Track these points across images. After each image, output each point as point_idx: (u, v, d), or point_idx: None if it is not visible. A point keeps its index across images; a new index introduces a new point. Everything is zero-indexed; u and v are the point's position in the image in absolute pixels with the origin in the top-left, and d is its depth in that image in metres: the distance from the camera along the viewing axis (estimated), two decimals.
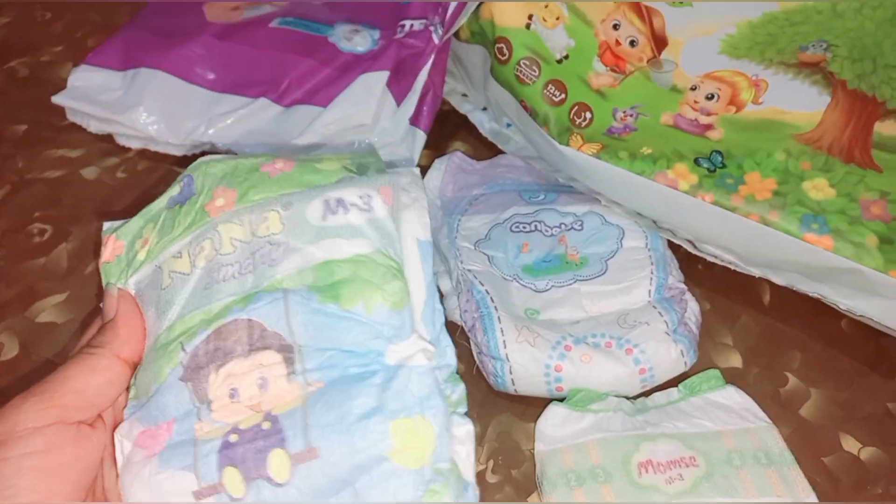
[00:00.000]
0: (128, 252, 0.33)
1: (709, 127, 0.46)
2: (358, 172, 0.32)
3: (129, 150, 0.57)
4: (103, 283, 0.34)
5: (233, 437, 0.27)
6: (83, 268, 0.49)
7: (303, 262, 0.29)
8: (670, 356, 0.41)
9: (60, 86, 0.57)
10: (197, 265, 0.31)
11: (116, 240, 0.34)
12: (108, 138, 0.57)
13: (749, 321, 0.48)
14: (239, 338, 0.28)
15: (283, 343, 0.28)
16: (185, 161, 0.56)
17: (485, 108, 0.59)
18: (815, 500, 0.36)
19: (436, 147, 0.58)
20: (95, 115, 0.56)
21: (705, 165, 0.45)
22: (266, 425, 0.27)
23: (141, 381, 0.30)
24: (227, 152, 0.55)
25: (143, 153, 0.57)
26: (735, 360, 0.46)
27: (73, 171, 0.55)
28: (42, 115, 0.58)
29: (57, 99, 0.56)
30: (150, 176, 0.56)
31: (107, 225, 0.36)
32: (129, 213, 0.52)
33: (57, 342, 0.44)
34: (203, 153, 0.56)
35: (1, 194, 0.53)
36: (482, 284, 0.44)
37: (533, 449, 0.40)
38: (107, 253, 0.34)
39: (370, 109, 0.52)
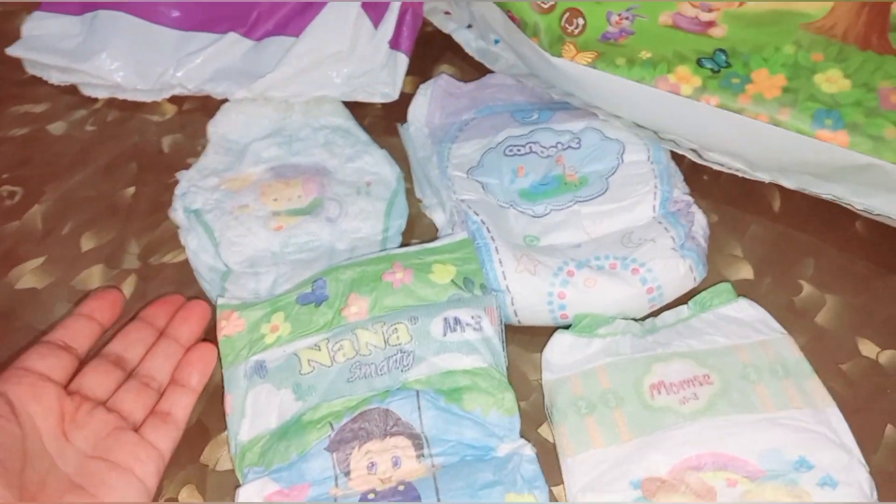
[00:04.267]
0: (251, 331, 0.38)
1: (711, 24, 0.43)
2: (464, 286, 0.39)
3: (96, 100, 0.54)
4: (222, 354, 0.38)
5: (371, 496, 0.33)
6: (60, 228, 0.47)
7: (429, 370, 0.36)
8: (679, 273, 0.39)
9: (16, 36, 0.54)
10: (336, 360, 0.37)
11: (238, 317, 0.38)
12: (73, 90, 0.54)
13: (759, 230, 0.46)
14: (378, 422, 0.34)
15: (413, 432, 0.34)
16: (156, 107, 0.53)
17: (470, 26, 0.55)
18: (835, 409, 0.35)
19: (420, 72, 0.55)
20: (56, 65, 0.53)
21: (709, 66, 0.42)
22: (401, 488, 0.32)
23: (277, 450, 0.34)
24: (201, 94, 0.52)
25: (112, 102, 0.54)
26: (746, 272, 0.44)
27: (40, 127, 0.53)
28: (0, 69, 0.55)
29: (12, 51, 0.53)
30: (122, 126, 0.53)
31: (221, 301, 0.40)
32: (108, 171, 0.51)
33: (40, 307, 0.43)
34: (175, 97, 0.53)
35: None
36: (477, 214, 0.42)
37: (540, 379, 0.38)
38: (228, 328, 0.38)
39: (345, 35, 0.49)
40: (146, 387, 0.37)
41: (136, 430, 0.35)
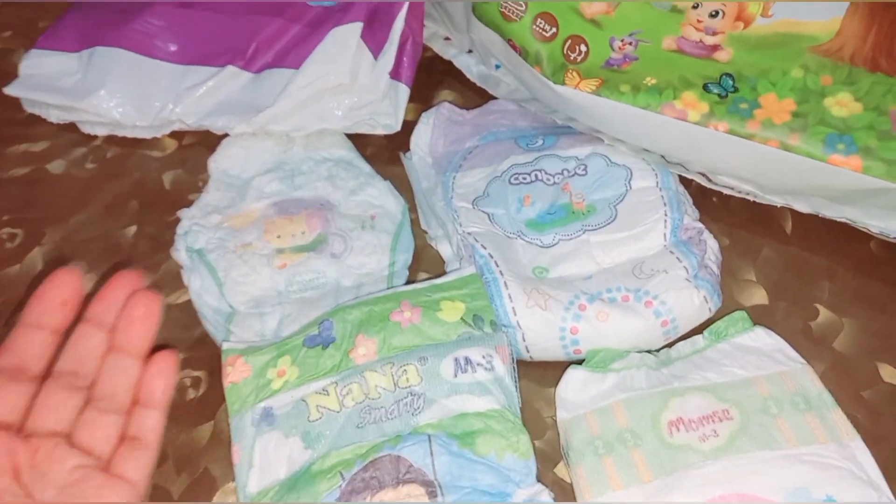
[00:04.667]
0: (257, 377, 0.37)
1: (716, 48, 0.42)
2: (474, 324, 0.38)
3: (95, 137, 0.53)
4: (228, 402, 0.37)
5: None
6: (54, 266, 0.46)
7: (441, 413, 0.35)
8: (693, 304, 0.38)
9: (14, 74, 0.53)
10: (345, 404, 0.36)
11: (244, 363, 0.38)
12: (72, 127, 0.54)
13: (772, 253, 0.45)
14: (390, 470, 0.33)
15: (427, 479, 0.33)
16: (156, 143, 0.53)
17: (470, 51, 0.55)
18: (860, 442, 0.34)
19: (422, 99, 0.54)
20: (54, 103, 0.52)
21: (716, 91, 0.41)
22: None
23: (287, 502, 0.34)
24: (200, 129, 0.51)
25: (111, 139, 0.53)
26: (760, 297, 0.43)
27: (39, 166, 0.52)
28: None
29: (10, 90, 0.52)
30: (122, 163, 0.52)
31: (227, 345, 0.39)
32: (108, 210, 0.51)
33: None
34: (175, 132, 0.53)
35: None
36: (484, 248, 0.41)
37: (555, 416, 0.38)
38: (234, 374, 0.37)
39: (346, 66, 0.48)
40: (106, 412, 0.32)
41: (106, 460, 0.31)
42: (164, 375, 0.33)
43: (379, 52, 0.49)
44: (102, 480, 0.31)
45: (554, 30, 0.44)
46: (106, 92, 0.51)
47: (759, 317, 0.41)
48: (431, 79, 0.56)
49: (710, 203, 0.47)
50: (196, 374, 0.41)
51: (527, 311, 0.38)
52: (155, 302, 0.33)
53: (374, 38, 0.49)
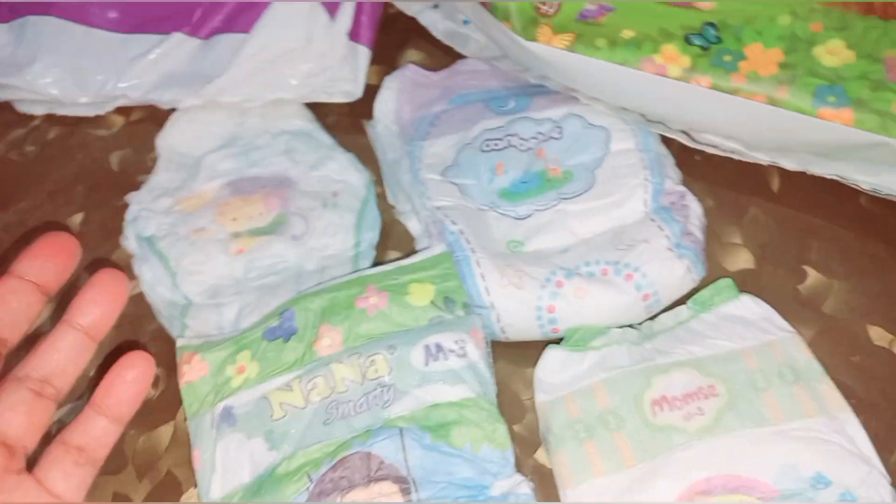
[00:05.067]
0: (215, 375, 0.35)
1: None
2: (445, 307, 0.36)
3: (34, 117, 0.49)
4: (185, 404, 0.35)
5: None
6: (4, 264, 0.43)
7: (413, 404, 0.33)
8: (676, 275, 0.36)
9: None
10: (311, 400, 0.34)
11: (201, 360, 0.35)
12: (8, 107, 0.50)
13: (758, 213, 0.43)
14: (360, 469, 0.31)
15: (400, 475, 0.31)
16: (101, 121, 0.49)
17: (436, 6, 0.51)
18: (850, 414, 0.32)
19: (385, 60, 0.51)
20: None
21: (698, 43, 0.38)
22: None
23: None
24: (147, 104, 0.48)
25: (52, 118, 0.49)
26: (747, 260, 0.41)
27: None
28: None
29: None
30: (64, 144, 0.49)
31: (181, 342, 0.36)
32: (52, 196, 0.47)
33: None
34: (119, 110, 0.49)
35: None
36: (454, 224, 0.38)
37: (534, 398, 0.36)
38: (191, 373, 0.35)
39: (299, 29, 0.45)
40: (39, 396, 0.26)
41: (32, 461, 0.26)
42: (137, 384, 0.28)
43: (335, 12, 0.45)
44: (29, 487, 0.25)
45: None
46: (41, 66, 0.47)
47: (747, 281, 0.39)
48: (394, 38, 0.52)
49: (694, 161, 0.44)
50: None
51: (501, 290, 0.36)
52: (119, 280, 0.28)
53: None
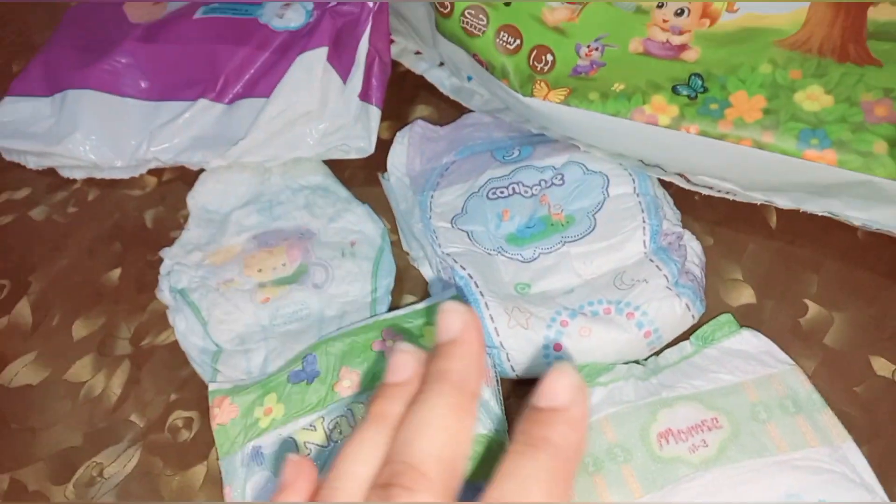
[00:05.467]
0: (244, 416, 0.37)
1: (683, 48, 0.42)
2: None
3: (75, 181, 0.53)
4: (217, 444, 0.37)
5: None
6: (49, 319, 0.46)
7: None
8: (675, 313, 0.38)
9: None
10: (333, 439, 0.36)
11: (231, 403, 0.38)
12: (52, 172, 0.54)
13: (757, 249, 0.45)
14: None
15: None
16: (135, 182, 0.53)
17: (442, 64, 0.54)
18: (852, 443, 0.34)
19: (396, 116, 0.54)
20: (31, 150, 0.53)
21: (685, 93, 0.40)
22: None
23: None
24: (176, 165, 0.51)
25: (91, 181, 0.53)
26: (747, 296, 0.43)
27: (22, 214, 0.52)
28: None
29: None
30: (102, 204, 0.52)
31: (213, 386, 0.39)
32: (92, 253, 0.51)
33: (35, 406, 0.42)
34: (152, 171, 0.53)
35: None
36: (464, 269, 0.41)
37: None
38: (222, 415, 0.38)
39: (314, 93, 0.48)
40: None
41: None
42: None
43: (347, 76, 0.49)
44: None
45: (518, 41, 0.44)
46: (80, 134, 0.51)
47: (748, 316, 0.41)
48: (405, 94, 0.55)
49: (692, 202, 0.46)
50: (187, 414, 0.42)
51: (509, 331, 0.38)
52: None
53: (340, 62, 0.49)
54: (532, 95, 0.43)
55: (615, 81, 0.41)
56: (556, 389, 0.21)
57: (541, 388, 0.21)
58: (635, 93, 0.41)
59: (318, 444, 0.36)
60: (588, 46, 0.43)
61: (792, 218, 0.45)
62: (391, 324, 0.39)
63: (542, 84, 0.43)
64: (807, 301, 0.42)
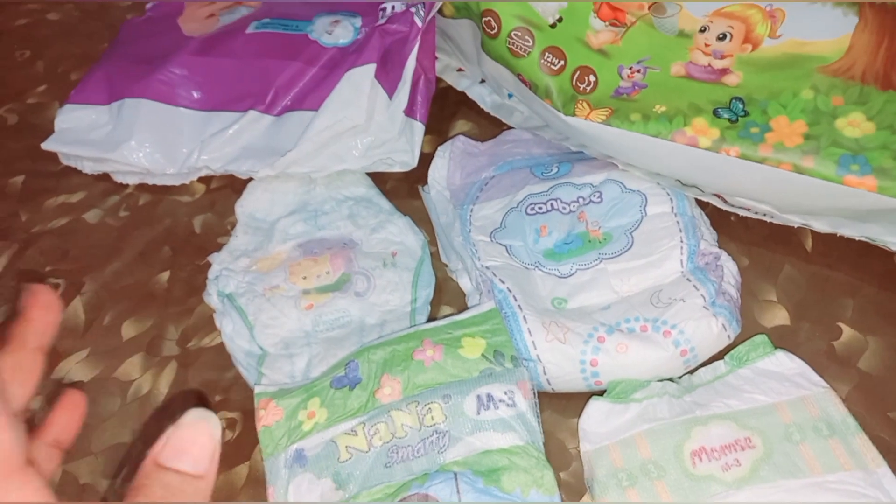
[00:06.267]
0: (288, 419, 0.39)
1: (725, 71, 0.43)
2: (495, 360, 0.39)
3: (127, 186, 0.56)
4: (262, 445, 0.38)
5: None
6: (101, 319, 0.49)
7: (466, 450, 0.36)
8: (712, 332, 0.38)
9: (50, 128, 0.56)
10: (373, 444, 0.37)
11: (276, 406, 0.39)
12: (106, 177, 0.56)
13: (793, 272, 0.45)
14: None
15: None
16: (186, 189, 0.55)
17: (483, 81, 0.56)
18: (887, 468, 0.34)
19: (438, 130, 0.56)
20: (88, 155, 0.55)
21: (726, 116, 0.41)
22: None
23: None
24: (226, 174, 0.53)
25: (143, 187, 0.56)
26: (782, 318, 0.43)
27: (77, 217, 0.55)
28: (37, 163, 0.57)
29: (47, 145, 0.55)
30: (153, 210, 0.55)
31: (259, 388, 0.40)
32: (143, 256, 0.53)
33: (87, 401, 0.44)
34: (202, 179, 0.55)
35: (10, 253, 0.53)
36: (503, 282, 0.42)
37: (579, 447, 0.38)
38: (267, 417, 0.39)
39: (362, 108, 0.49)
40: None
41: None
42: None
43: (393, 92, 0.50)
44: None
45: (562, 62, 0.45)
46: (135, 142, 0.54)
47: (782, 338, 0.41)
48: (446, 110, 0.57)
49: (729, 222, 0.47)
50: (231, 415, 0.43)
51: (546, 345, 0.39)
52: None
53: (387, 78, 0.50)
54: (574, 115, 0.44)
55: (657, 103, 0.42)
56: (194, 452, 0.20)
57: (176, 441, 0.20)
58: (676, 115, 0.42)
59: (358, 449, 0.37)
60: (630, 68, 0.44)
61: (828, 242, 0.45)
62: (431, 334, 0.40)
63: (584, 104, 0.44)
64: (841, 325, 0.42)
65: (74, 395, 0.30)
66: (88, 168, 0.56)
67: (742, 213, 0.45)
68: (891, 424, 0.38)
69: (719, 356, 0.40)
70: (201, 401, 0.43)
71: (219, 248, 0.49)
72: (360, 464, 0.36)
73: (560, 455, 0.39)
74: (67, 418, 0.29)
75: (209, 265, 0.48)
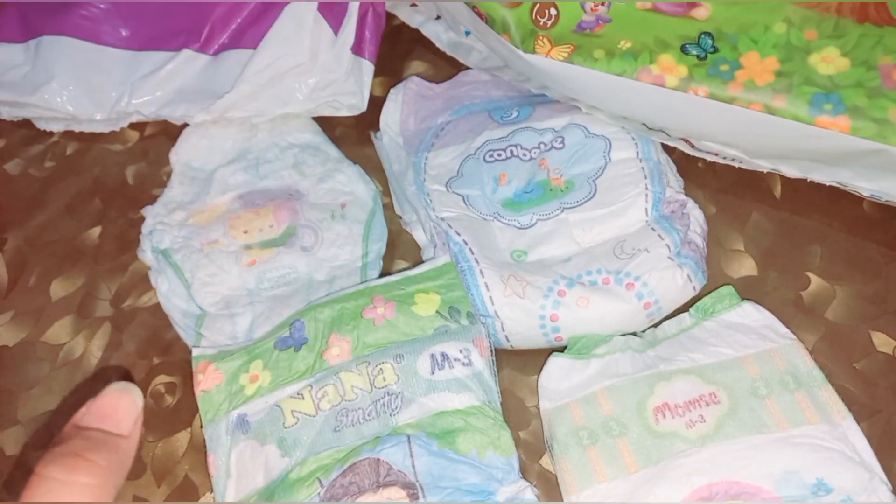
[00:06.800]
0: (229, 383, 0.36)
1: (693, 4, 0.39)
2: (450, 316, 0.36)
3: (52, 133, 0.51)
4: (201, 411, 0.35)
5: None
6: (26, 278, 0.45)
7: (420, 412, 0.34)
8: (676, 284, 0.37)
9: None
10: (321, 408, 0.35)
11: (215, 369, 0.36)
12: (28, 123, 0.51)
13: (761, 219, 0.43)
14: (369, 474, 0.32)
15: (407, 481, 0.32)
16: (116, 136, 0.51)
17: (438, 17, 0.52)
18: (852, 421, 0.33)
19: (390, 71, 0.52)
20: (4, 99, 0.50)
21: (694, 52, 0.39)
22: None
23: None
24: (158, 119, 0.49)
25: (69, 134, 0.51)
26: (749, 267, 0.42)
27: None
28: None
29: None
30: (82, 159, 0.50)
31: (197, 351, 0.37)
32: (70, 210, 0.49)
33: (13, 367, 0.41)
34: (133, 125, 0.50)
35: None
36: (458, 234, 0.39)
37: (539, 405, 0.36)
38: (206, 382, 0.36)
39: (304, 45, 0.45)
40: None
41: None
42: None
43: (339, 27, 0.46)
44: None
45: None
46: (56, 84, 0.49)
47: (749, 288, 0.40)
48: (399, 49, 0.53)
49: (696, 168, 0.45)
50: (170, 379, 0.40)
51: (504, 299, 0.37)
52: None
53: (332, 12, 0.46)
54: (534, 52, 0.41)
55: (621, 39, 0.39)
56: (117, 416, 0.20)
57: (97, 407, 0.20)
58: (642, 51, 0.39)
59: (305, 413, 0.35)
60: (594, 0, 0.41)
61: (798, 187, 0.43)
62: (382, 290, 0.38)
63: (545, 40, 0.41)
64: (809, 274, 0.41)
65: None
66: (6, 114, 0.51)
67: (710, 158, 0.42)
68: (856, 375, 0.37)
69: (684, 308, 0.38)
70: (127, 378, 0.40)
71: (153, 200, 0.46)
72: (307, 428, 0.34)
73: (519, 413, 0.37)
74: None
75: (142, 219, 0.44)
